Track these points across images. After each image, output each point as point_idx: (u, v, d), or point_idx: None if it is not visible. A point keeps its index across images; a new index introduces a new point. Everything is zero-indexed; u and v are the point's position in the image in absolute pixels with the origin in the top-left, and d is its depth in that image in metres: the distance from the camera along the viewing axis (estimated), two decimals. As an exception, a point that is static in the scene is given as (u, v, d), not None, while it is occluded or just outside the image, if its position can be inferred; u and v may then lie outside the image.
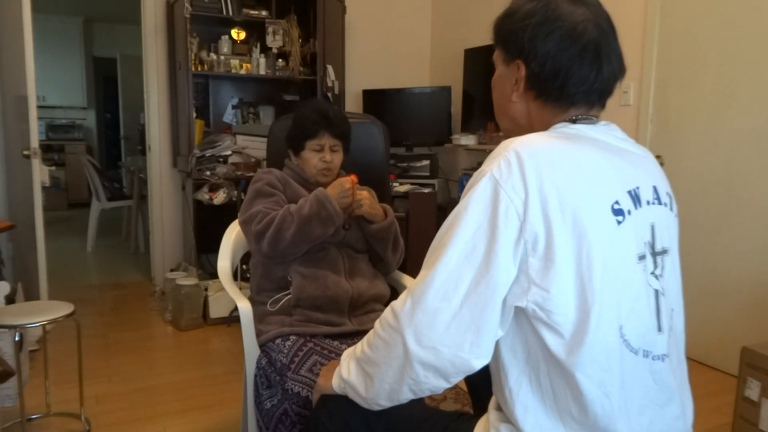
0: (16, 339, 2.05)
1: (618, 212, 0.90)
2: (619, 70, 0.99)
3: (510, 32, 0.99)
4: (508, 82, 1.01)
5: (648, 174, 0.99)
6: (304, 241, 1.68)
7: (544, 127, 0.98)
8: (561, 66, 0.95)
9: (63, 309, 2.08)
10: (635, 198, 0.93)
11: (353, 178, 1.70)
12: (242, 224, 1.77)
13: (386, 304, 1.80)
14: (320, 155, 1.80)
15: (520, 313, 0.89)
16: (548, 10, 0.96)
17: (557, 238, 0.84)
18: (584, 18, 0.95)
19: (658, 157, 3.02)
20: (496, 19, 1.03)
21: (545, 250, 0.85)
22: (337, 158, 1.84)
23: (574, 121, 0.97)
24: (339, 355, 1.58)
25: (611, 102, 1.03)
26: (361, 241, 1.85)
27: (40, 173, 2.98)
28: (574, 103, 0.98)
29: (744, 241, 2.69)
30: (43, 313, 2.03)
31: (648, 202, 0.95)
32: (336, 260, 1.77)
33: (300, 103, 1.91)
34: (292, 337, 1.65)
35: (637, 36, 3.08)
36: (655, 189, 0.98)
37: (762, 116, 2.60)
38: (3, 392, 2.33)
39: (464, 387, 1.42)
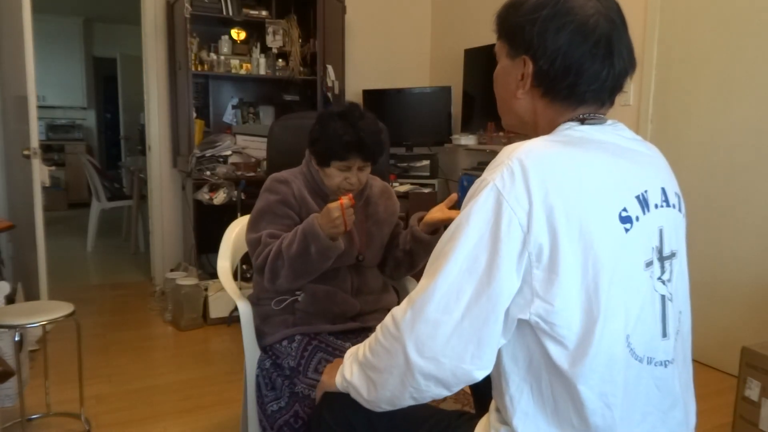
0: (16, 339, 2.05)
1: (626, 219, 0.87)
2: (630, 65, 0.95)
3: (516, 25, 0.94)
4: (513, 77, 0.97)
5: (656, 174, 0.96)
6: (301, 278, 1.58)
7: (550, 124, 0.95)
8: (572, 63, 0.90)
9: (63, 309, 2.08)
10: (643, 203, 0.90)
11: (342, 201, 1.47)
12: (247, 244, 1.67)
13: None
14: (345, 175, 1.64)
15: (523, 322, 0.88)
16: (558, 2, 0.91)
17: (562, 249, 0.82)
18: (596, 11, 0.90)
19: (658, 157, 3.02)
20: (500, 9, 0.98)
21: (549, 261, 0.83)
22: (364, 176, 1.68)
23: (582, 121, 0.93)
24: (343, 352, 1.57)
25: (611, 102, 1.01)
26: (374, 261, 1.78)
27: (40, 173, 2.97)
28: (584, 101, 0.94)
29: (744, 241, 2.69)
30: (43, 313, 2.03)
31: (656, 206, 0.92)
32: (345, 278, 1.71)
33: (332, 112, 1.65)
34: (297, 337, 1.65)
35: (637, 36, 3.08)
36: (663, 191, 0.95)
37: (762, 116, 2.60)
38: (3, 392, 2.32)
39: (464, 387, 1.42)
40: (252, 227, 1.66)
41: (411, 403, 0.96)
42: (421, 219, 1.71)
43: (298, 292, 1.68)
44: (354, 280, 1.72)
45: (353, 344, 1.13)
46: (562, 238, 0.82)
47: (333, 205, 1.48)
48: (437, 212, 1.64)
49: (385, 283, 1.84)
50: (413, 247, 1.74)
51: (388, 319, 0.95)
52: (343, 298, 1.69)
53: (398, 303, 1.73)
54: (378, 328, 0.98)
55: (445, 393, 0.93)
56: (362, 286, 1.74)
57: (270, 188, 1.68)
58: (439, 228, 1.67)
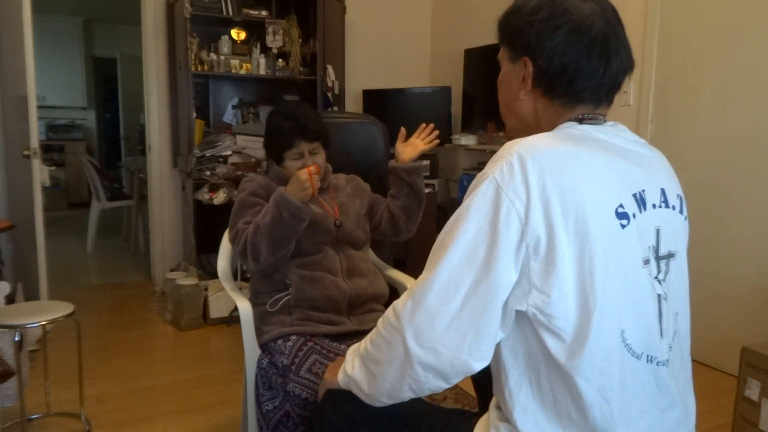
0: (16, 339, 2.05)
1: (622, 216, 0.89)
2: (628, 64, 0.97)
3: (516, 29, 0.97)
4: (515, 79, 1.00)
5: (656, 176, 0.97)
6: (281, 246, 1.66)
7: (551, 125, 0.97)
8: (569, 61, 0.93)
9: (63, 309, 2.08)
10: (640, 201, 0.92)
11: (310, 169, 1.66)
12: (231, 243, 1.77)
13: (386, 304, 1.80)
14: (301, 162, 1.76)
15: (521, 315, 0.89)
16: (554, 4, 0.94)
17: (559, 241, 0.84)
18: (591, 12, 0.94)
19: (658, 157, 3.02)
20: (501, 16, 1.02)
21: (546, 253, 0.84)
22: (319, 159, 1.80)
23: (580, 121, 0.95)
24: (338, 354, 1.58)
25: (611, 102, 1.02)
26: (356, 235, 1.83)
27: (40, 173, 2.97)
28: (582, 99, 0.96)
29: (744, 241, 2.69)
30: (43, 313, 2.03)
31: (654, 206, 0.94)
32: (333, 261, 1.75)
33: (270, 112, 1.86)
34: (293, 337, 1.65)
35: (637, 36, 3.07)
36: (663, 192, 0.96)
37: (762, 116, 2.60)
38: (3, 392, 2.32)
39: (464, 387, 1.42)
40: (230, 227, 1.77)
41: (410, 395, 0.97)
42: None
43: (288, 281, 1.71)
44: (342, 262, 1.77)
45: (348, 346, 1.15)
46: (559, 231, 0.84)
47: (301, 171, 1.66)
48: (407, 151, 2.01)
49: (375, 270, 1.88)
50: (397, 189, 1.92)
51: (389, 311, 0.97)
52: (333, 282, 1.71)
53: (389, 292, 1.75)
54: (379, 321, 0.99)
55: (444, 385, 0.94)
56: (352, 268, 1.78)
57: (239, 189, 1.83)
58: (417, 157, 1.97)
